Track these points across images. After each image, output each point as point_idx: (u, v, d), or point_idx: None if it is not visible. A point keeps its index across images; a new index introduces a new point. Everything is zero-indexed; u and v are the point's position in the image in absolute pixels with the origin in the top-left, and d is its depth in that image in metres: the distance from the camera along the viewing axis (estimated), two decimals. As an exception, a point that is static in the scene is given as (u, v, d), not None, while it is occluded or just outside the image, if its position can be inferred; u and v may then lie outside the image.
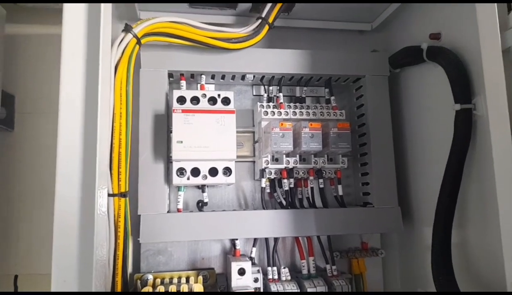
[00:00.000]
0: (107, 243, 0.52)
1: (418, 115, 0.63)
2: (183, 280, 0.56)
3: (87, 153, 0.43)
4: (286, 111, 0.60)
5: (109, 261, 0.52)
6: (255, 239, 0.61)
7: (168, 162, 0.58)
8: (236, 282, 0.55)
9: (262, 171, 0.60)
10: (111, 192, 0.51)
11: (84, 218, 0.42)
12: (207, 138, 0.54)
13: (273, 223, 0.57)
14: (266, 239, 0.61)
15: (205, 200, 0.58)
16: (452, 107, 0.52)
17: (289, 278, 0.59)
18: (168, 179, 0.57)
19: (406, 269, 0.66)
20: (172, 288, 0.52)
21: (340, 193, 0.62)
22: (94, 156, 0.43)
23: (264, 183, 0.60)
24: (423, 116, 0.62)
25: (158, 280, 0.56)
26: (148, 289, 0.50)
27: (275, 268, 0.60)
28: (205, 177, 0.55)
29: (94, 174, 0.43)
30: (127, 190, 0.52)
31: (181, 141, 0.53)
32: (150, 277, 0.58)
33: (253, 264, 0.59)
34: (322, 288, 0.57)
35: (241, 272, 0.55)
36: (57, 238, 0.41)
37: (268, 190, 0.62)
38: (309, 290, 0.57)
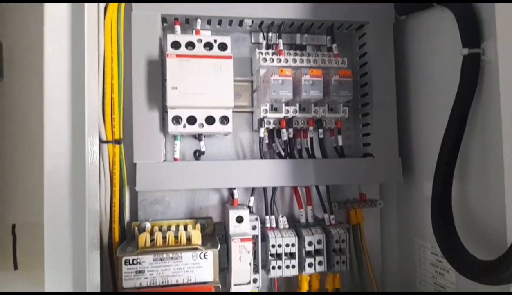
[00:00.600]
0: (103, 191, 0.52)
1: (423, 64, 0.61)
2: (181, 228, 0.56)
3: (75, 98, 0.41)
4: (286, 58, 0.58)
5: (105, 209, 0.52)
6: (253, 189, 0.61)
7: (164, 111, 0.56)
8: (234, 229, 0.55)
9: (261, 121, 0.58)
10: (104, 139, 0.50)
11: (74, 166, 0.40)
12: (203, 84, 0.52)
13: (271, 173, 0.56)
14: (264, 189, 0.60)
15: (202, 149, 0.57)
16: (459, 52, 0.49)
17: (287, 226, 0.60)
18: (163, 127, 0.56)
19: (404, 221, 0.66)
20: (170, 235, 0.52)
21: (340, 143, 0.61)
22: (83, 102, 0.41)
23: (262, 133, 0.59)
24: (428, 65, 0.60)
25: (156, 228, 0.57)
26: (146, 235, 0.50)
27: (273, 217, 0.60)
28: (201, 125, 0.54)
29: (83, 120, 0.41)
30: (121, 137, 0.51)
31: (176, 88, 0.51)
32: (148, 225, 0.58)
33: (251, 213, 0.59)
34: (320, 236, 0.57)
35: (239, 219, 0.55)
36: (48, 187, 0.39)
37: (266, 141, 0.61)
38: (306, 238, 0.57)
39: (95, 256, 0.37)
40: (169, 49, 0.53)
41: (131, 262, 0.49)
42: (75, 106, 0.39)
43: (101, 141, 0.50)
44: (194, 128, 0.54)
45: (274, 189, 0.60)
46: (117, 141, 0.50)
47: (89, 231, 0.35)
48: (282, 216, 0.60)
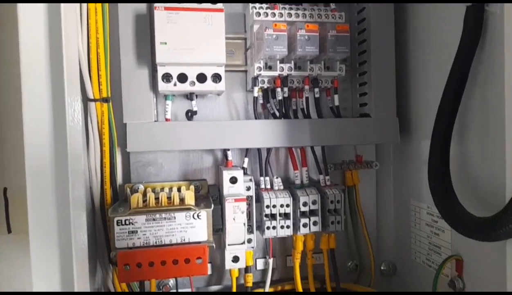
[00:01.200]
0: (92, 151, 0.50)
1: (423, 19, 0.58)
2: (175, 189, 0.55)
3: (52, 53, 0.37)
4: (281, 13, 0.55)
5: (95, 169, 0.51)
6: (247, 150, 0.59)
7: (153, 70, 0.54)
8: (228, 190, 0.54)
9: (255, 79, 0.56)
10: (91, 97, 0.48)
11: (56, 127, 0.37)
12: (193, 39, 0.49)
13: (265, 133, 0.55)
14: (259, 150, 0.59)
15: (194, 109, 0.55)
16: (464, 5, 0.47)
17: (281, 187, 0.59)
18: (153, 86, 0.54)
19: (400, 182, 0.66)
20: (163, 195, 0.51)
21: (337, 103, 0.59)
22: (60, 56, 0.38)
23: (256, 92, 0.57)
24: (429, 20, 0.57)
25: (149, 190, 0.56)
26: (138, 196, 0.50)
27: (267, 178, 0.59)
28: (193, 83, 0.52)
29: (61, 78, 0.38)
30: (109, 95, 0.49)
31: (165, 43, 0.49)
32: (141, 186, 0.57)
33: (245, 174, 0.58)
34: (315, 196, 0.56)
35: (233, 180, 0.54)
36: (29, 150, 0.36)
37: (261, 101, 0.59)
38: (301, 198, 0.56)
39: (81, 216, 0.35)
40: (157, 3, 0.50)
41: (123, 223, 0.48)
42: (52, 62, 0.37)
43: (88, 99, 0.48)
44: (185, 87, 0.52)
45: (268, 150, 0.59)
46: (105, 100, 0.49)
47: (73, 191, 0.34)
48: (276, 177, 0.59)
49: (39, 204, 0.34)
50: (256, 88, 0.56)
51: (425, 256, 0.60)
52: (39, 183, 0.34)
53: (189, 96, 0.55)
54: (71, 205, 0.34)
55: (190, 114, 0.56)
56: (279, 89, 0.56)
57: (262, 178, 0.59)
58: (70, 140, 0.36)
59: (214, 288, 0.64)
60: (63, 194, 0.34)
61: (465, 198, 0.47)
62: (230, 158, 0.58)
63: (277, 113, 0.58)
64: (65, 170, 0.35)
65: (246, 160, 0.59)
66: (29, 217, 0.34)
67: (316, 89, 0.58)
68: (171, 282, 0.61)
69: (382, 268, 0.68)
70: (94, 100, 0.48)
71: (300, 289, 0.59)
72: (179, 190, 0.56)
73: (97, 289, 0.54)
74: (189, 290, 0.58)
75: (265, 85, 0.57)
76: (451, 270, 0.54)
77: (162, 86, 0.51)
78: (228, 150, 0.58)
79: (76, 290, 0.33)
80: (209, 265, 0.62)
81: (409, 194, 0.63)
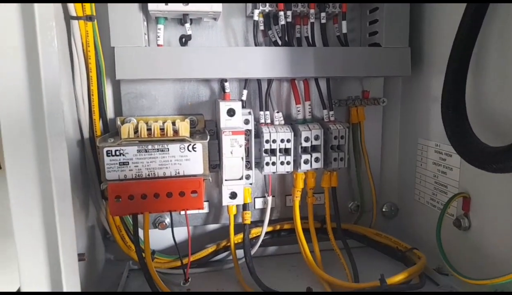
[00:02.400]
0: (78, 77, 0.46)
1: None
2: (169, 122, 0.52)
3: None
4: None
5: (83, 97, 0.47)
6: (246, 82, 0.55)
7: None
8: (225, 123, 0.51)
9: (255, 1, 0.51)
10: (74, 14, 0.43)
11: (28, 49, 0.30)
12: (185, -52, 0.44)
13: (266, 62, 0.51)
14: (259, 82, 0.55)
15: (188, 32, 0.50)
16: None
17: (282, 122, 0.55)
18: (143, 8, 0.49)
19: (408, 119, 0.62)
20: (156, 126, 0.48)
21: (344, 30, 0.54)
22: None
23: (257, 15, 0.52)
24: None
25: (142, 123, 0.52)
26: (129, 126, 0.46)
27: (267, 113, 0.55)
28: (186, 3, 0.47)
29: None
30: (93, 13, 0.44)
31: (154, -48, 0.43)
32: (133, 120, 0.54)
33: (244, 107, 0.54)
34: (317, 131, 0.53)
35: (231, 113, 0.51)
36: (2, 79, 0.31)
37: (261, 27, 0.54)
38: (303, 133, 0.53)
39: (60, 147, 0.32)
40: None
41: (113, 153, 0.45)
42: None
43: (70, 17, 0.43)
44: (178, 7, 0.47)
45: (269, 82, 0.55)
46: (89, 18, 0.44)
47: (50, 122, 0.30)
48: (277, 112, 0.56)
49: (12, 136, 0.30)
50: (256, 12, 0.51)
51: (430, 196, 0.58)
52: (11, 114, 0.30)
53: (183, 19, 0.50)
54: (48, 136, 0.30)
55: (184, 40, 0.52)
56: (282, 13, 0.51)
57: (262, 112, 0.55)
58: (44, 64, 0.31)
59: (211, 226, 0.62)
60: (39, 125, 0.30)
61: (480, 132, 0.43)
62: (228, 90, 0.54)
63: (279, 42, 0.53)
64: (39, 98, 0.30)
65: (245, 92, 0.55)
66: (4, 153, 0.30)
67: (323, 14, 0.53)
68: (167, 220, 0.59)
69: (384, 209, 0.66)
70: (77, 18, 0.43)
71: (299, 229, 0.57)
72: (174, 124, 0.52)
73: (90, 226, 0.52)
74: (185, 228, 0.57)
75: (267, 8, 0.52)
76: (457, 209, 0.52)
77: (152, 6, 0.46)
78: (226, 81, 0.54)
79: (58, 227, 0.30)
80: (206, 204, 0.60)
81: (416, 132, 0.60)
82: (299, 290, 0.48)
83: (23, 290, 0.31)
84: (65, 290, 0.30)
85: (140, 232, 0.49)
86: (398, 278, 0.48)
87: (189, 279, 0.52)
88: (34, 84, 0.30)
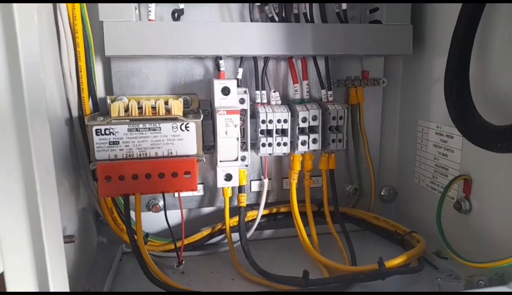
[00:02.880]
0: (65, 52, 0.45)
1: None
2: (161, 101, 0.50)
3: None
4: None
5: (70, 73, 0.45)
6: (241, 60, 0.53)
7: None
8: (220, 102, 0.49)
9: (251, -24, 0.49)
10: (59, -15, 0.41)
11: (5, 24, 0.28)
12: None
13: (262, 38, 0.49)
14: (255, 60, 0.53)
15: (181, 6, 0.48)
16: None
17: (279, 102, 0.54)
18: (134, -20, 0.47)
19: (408, 101, 0.61)
20: (147, 105, 0.46)
21: (344, 7, 0.52)
22: None
23: (252, -10, 0.50)
24: None
25: (134, 102, 0.50)
26: (120, 104, 0.44)
27: (264, 92, 0.53)
28: (178, -25, 0.44)
29: None
30: (80, -16, 0.42)
31: None
32: (125, 99, 0.52)
33: (239, 86, 0.52)
34: (315, 112, 0.51)
35: (226, 91, 0.49)
36: None
37: (258, 3, 0.52)
38: (301, 113, 0.51)
39: (41, 123, 0.30)
40: None
41: (103, 132, 0.44)
42: None
43: (55, -12, 0.41)
44: (170, -22, 0.44)
45: (266, 60, 0.53)
46: (75, -11, 0.42)
47: (30, 97, 0.28)
48: (274, 91, 0.54)
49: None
50: (252, -14, 0.49)
51: (430, 179, 0.57)
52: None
53: (175, -7, 0.48)
54: (28, 114, 0.28)
55: (177, 15, 0.49)
56: (279, -13, 0.49)
57: (258, 92, 0.53)
58: (22, 37, 0.28)
59: (206, 209, 0.61)
60: (17, 99, 0.28)
61: (484, 112, 0.42)
62: (222, 68, 0.52)
63: (276, 18, 0.51)
64: (17, 73, 0.28)
65: (241, 70, 0.53)
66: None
67: (322, -11, 0.51)
68: (161, 202, 0.58)
69: (382, 193, 0.65)
70: (62, -11, 0.41)
71: (296, 212, 0.56)
72: (166, 103, 0.50)
73: (81, 208, 0.51)
74: (178, 211, 0.55)
75: (263, -17, 0.50)
76: (458, 192, 0.51)
77: (142, -23, 0.44)
78: (221, 58, 0.51)
79: (40, 206, 0.29)
80: (201, 186, 0.58)
81: (417, 114, 0.58)
82: (295, 273, 0.47)
83: (6, 272, 0.29)
84: (49, 270, 0.29)
85: (132, 214, 0.47)
86: (397, 261, 0.46)
87: (183, 262, 0.51)
88: (12, 57, 0.28)
